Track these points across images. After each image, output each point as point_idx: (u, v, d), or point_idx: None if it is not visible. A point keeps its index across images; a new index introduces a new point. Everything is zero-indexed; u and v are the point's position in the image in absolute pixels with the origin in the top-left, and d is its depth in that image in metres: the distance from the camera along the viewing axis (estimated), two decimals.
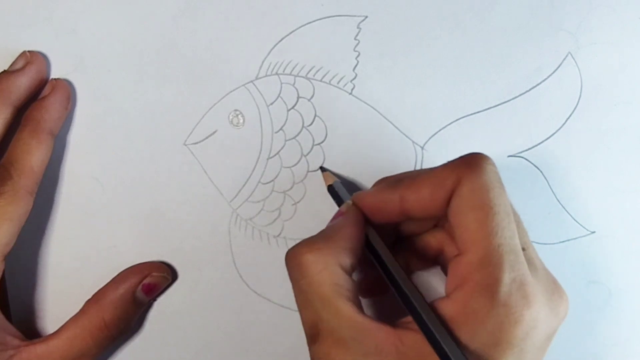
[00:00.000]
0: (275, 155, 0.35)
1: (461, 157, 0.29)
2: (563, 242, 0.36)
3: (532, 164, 0.36)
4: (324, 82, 0.35)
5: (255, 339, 0.37)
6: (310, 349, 0.28)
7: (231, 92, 0.35)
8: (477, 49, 0.35)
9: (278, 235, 0.36)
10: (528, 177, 0.36)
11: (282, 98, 0.35)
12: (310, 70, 0.35)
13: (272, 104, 0.35)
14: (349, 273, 0.28)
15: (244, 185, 0.35)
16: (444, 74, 0.35)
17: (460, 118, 0.35)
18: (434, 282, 0.36)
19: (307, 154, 0.35)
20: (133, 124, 0.35)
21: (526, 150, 0.36)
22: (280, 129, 0.35)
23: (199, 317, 0.36)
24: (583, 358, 0.37)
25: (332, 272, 0.27)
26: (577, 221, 0.36)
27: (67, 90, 0.34)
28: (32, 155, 0.32)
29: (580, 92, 0.35)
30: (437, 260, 0.32)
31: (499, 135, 0.35)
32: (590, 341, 0.37)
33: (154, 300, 0.36)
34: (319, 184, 0.35)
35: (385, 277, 0.29)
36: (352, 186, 0.35)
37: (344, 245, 0.28)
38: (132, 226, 0.35)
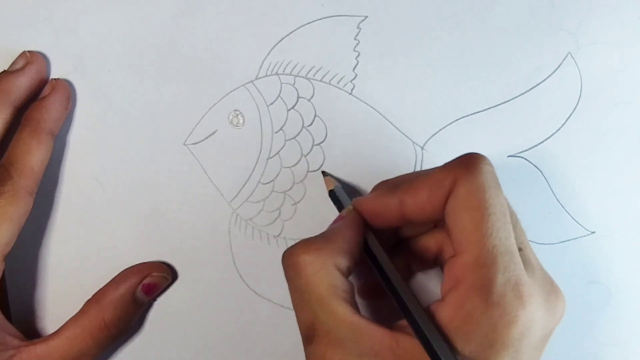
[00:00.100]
0: (275, 155, 0.35)
1: (458, 158, 0.29)
2: (563, 242, 0.36)
3: (532, 164, 0.36)
4: (324, 82, 0.35)
5: (255, 339, 0.37)
6: (305, 350, 0.28)
7: (231, 92, 0.35)
8: (477, 49, 0.35)
9: (278, 235, 0.36)
10: (528, 177, 0.36)
11: (282, 98, 0.35)
12: (310, 70, 0.35)
13: (272, 104, 0.35)
14: (346, 275, 0.28)
15: (244, 185, 0.35)
16: (444, 74, 0.35)
17: (460, 118, 0.35)
18: (433, 283, 0.36)
19: (307, 154, 0.35)
20: (133, 124, 0.35)
21: (526, 150, 0.36)
22: (280, 129, 0.35)
23: (199, 317, 0.36)
24: (583, 358, 0.37)
25: (329, 272, 0.27)
26: (577, 221, 0.36)
27: (67, 90, 0.34)
28: (32, 155, 0.32)
29: (580, 92, 0.35)
30: (437, 261, 0.32)
31: (499, 135, 0.35)
32: (590, 341, 0.37)
33: (154, 300, 0.36)
34: (319, 184, 0.35)
35: (383, 282, 0.29)
36: (353, 190, 0.35)
37: (341, 247, 0.28)
38: (132, 226, 0.35)
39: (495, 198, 0.27)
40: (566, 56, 0.35)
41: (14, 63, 0.33)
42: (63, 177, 0.35)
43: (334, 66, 0.35)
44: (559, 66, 0.35)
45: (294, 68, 0.35)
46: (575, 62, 0.35)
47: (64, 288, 0.36)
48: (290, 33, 0.34)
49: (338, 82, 0.35)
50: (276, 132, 0.35)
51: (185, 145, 0.35)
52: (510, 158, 0.36)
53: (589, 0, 0.34)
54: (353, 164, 0.35)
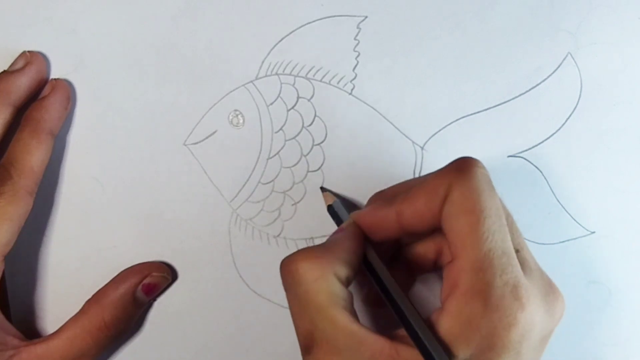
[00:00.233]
0: (275, 155, 0.35)
1: (451, 163, 0.29)
2: (563, 242, 0.36)
3: (532, 164, 0.36)
4: (323, 82, 0.35)
5: (255, 339, 0.37)
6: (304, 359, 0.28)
7: (231, 92, 0.35)
8: (477, 49, 0.35)
9: (278, 235, 0.36)
10: (528, 177, 0.36)
11: (282, 98, 0.35)
12: (310, 70, 0.35)
13: (272, 104, 0.35)
14: (345, 284, 0.28)
15: (243, 185, 0.35)
16: (444, 74, 0.35)
17: (460, 118, 0.35)
18: (433, 290, 0.36)
19: (307, 154, 0.35)
20: (133, 124, 0.35)
21: (526, 150, 0.36)
22: (280, 129, 0.35)
23: (199, 317, 0.36)
24: (583, 358, 0.37)
25: (329, 280, 0.27)
26: (577, 221, 0.36)
27: (67, 90, 0.34)
28: (32, 155, 0.32)
29: (580, 92, 0.35)
30: (438, 264, 0.32)
31: (499, 135, 0.35)
32: (590, 341, 0.37)
33: (154, 300, 0.36)
34: (319, 184, 0.35)
35: (382, 294, 0.29)
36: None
37: (340, 257, 0.28)
38: (132, 226, 0.35)
39: (490, 201, 0.27)
40: (566, 56, 0.35)
41: (14, 63, 0.33)
42: (63, 177, 0.35)
43: (334, 66, 0.35)
44: (559, 66, 0.35)
45: (294, 68, 0.35)
46: (575, 62, 0.35)
47: (64, 288, 0.36)
48: (290, 33, 0.34)
49: (338, 82, 0.35)
50: (276, 132, 0.35)
51: (185, 145, 0.35)
52: (510, 158, 0.36)
53: (589, 0, 0.34)
54: (353, 164, 0.35)
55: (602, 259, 0.37)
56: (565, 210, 0.36)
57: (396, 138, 0.35)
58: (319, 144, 0.35)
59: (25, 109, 0.33)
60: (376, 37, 0.34)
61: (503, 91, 0.35)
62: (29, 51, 0.33)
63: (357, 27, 0.34)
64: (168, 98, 0.35)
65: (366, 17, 0.34)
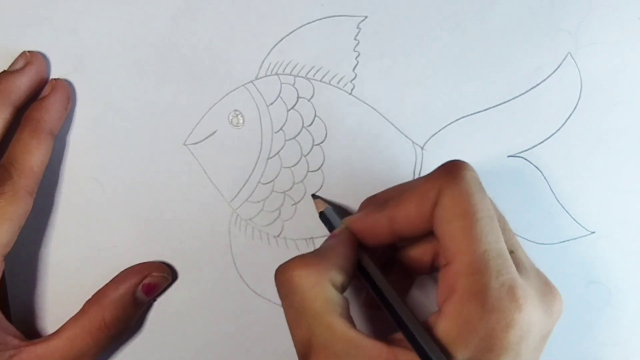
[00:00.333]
0: (275, 155, 0.35)
1: (440, 167, 0.29)
2: (563, 242, 0.36)
3: (532, 164, 0.36)
4: (323, 82, 0.35)
5: (255, 339, 0.37)
6: None
7: (231, 92, 0.35)
8: (477, 49, 0.35)
9: (278, 236, 0.36)
10: (528, 177, 0.36)
11: (282, 98, 0.35)
12: (310, 70, 0.35)
13: (272, 104, 0.35)
14: (340, 291, 0.28)
15: (243, 185, 0.35)
16: (444, 74, 0.35)
17: (460, 118, 0.35)
18: (432, 290, 0.36)
19: (307, 154, 0.35)
20: (133, 124, 0.35)
21: (526, 150, 0.36)
22: (280, 129, 0.35)
23: (199, 317, 0.36)
24: (583, 358, 0.37)
25: (324, 287, 0.27)
26: (577, 221, 0.36)
27: (67, 90, 0.34)
28: (32, 155, 0.32)
29: (580, 92, 0.35)
30: (434, 266, 0.32)
31: (499, 135, 0.35)
32: (590, 341, 0.37)
33: (154, 300, 0.36)
34: (319, 184, 0.35)
35: (377, 298, 0.29)
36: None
37: (335, 263, 0.28)
38: (132, 226, 0.35)
39: (481, 203, 0.27)
40: (566, 56, 0.35)
41: (14, 63, 0.33)
42: (63, 177, 0.35)
43: (334, 66, 0.35)
44: (559, 66, 0.35)
45: (294, 68, 0.35)
46: (575, 62, 0.35)
47: (64, 288, 0.36)
48: (290, 33, 0.34)
49: (338, 82, 0.35)
50: (276, 132, 0.35)
51: (185, 145, 0.35)
52: (510, 158, 0.36)
53: (589, 0, 0.34)
54: (353, 164, 0.35)
55: (602, 259, 0.37)
56: (565, 210, 0.36)
57: (396, 138, 0.35)
58: (319, 144, 0.35)
59: (25, 109, 0.33)
60: (376, 37, 0.34)
61: (503, 91, 0.35)
62: (29, 51, 0.33)
63: (357, 27, 0.34)
64: (168, 98, 0.35)
65: (366, 17, 0.34)
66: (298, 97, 0.35)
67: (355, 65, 0.35)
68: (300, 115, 0.35)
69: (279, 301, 0.36)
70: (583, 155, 0.36)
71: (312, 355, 0.27)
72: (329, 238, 0.31)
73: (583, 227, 0.36)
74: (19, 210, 0.32)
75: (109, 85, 0.34)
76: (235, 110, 0.35)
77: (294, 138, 0.35)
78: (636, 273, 0.37)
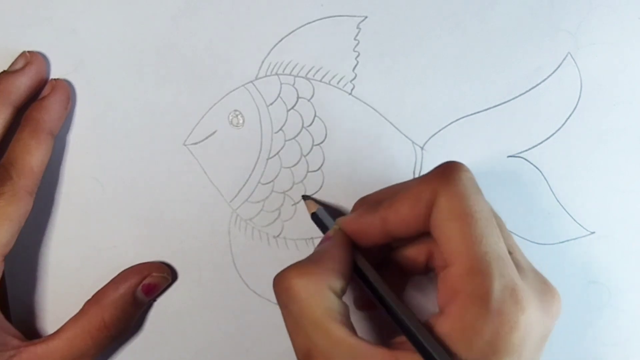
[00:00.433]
0: (275, 155, 0.35)
1: (435, 168, 0.29)
2: (563, 242, 0.36)
3: (532, 164, 0.36)
4: (323, 82, 0.35)
5: (255, 339, 0.37)
6: None
7: (231, 92, 0.35)
8: (477, 49, 0.35)
9: (278, 236, 0.36)
10: (528, 177, 0.36)
11: (281, 98, 0.35)
12: (310, 70, 0.35)
13: (271, 104, 0.35)
14: (340, 296, 0.28)
15: (243, 185, 0.35)
16: (444, 74, 0.35)
17: (460, 118, 0.35)
18: (424, 293, 0.36)
19: (307, 154, 0.35)
20: (133, 124, 0.35)
21: (526, 150, 0.36)
22: (280, 129, 0.35)
23: (199, 317, 0.36)
24: (583, 358, 0.37)
25: (323, 295, 0.27)
26: (577, 221, 0.36)
27: (67, 90, 0.34)
28: (31, 155, 0.32)
29: (580, 92, 0.35)
30: (429, 266, 0.32)
31: (499, 135, 0.35)
32: (590, 341, 0.37)
33: (154, 300, 0.36)
34: (319, 184, 0.35)
35: (376, 301, 0.29)
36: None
37: (333, 268, 0.28)
38: (132, 226, 0.35)
39: (479, 204, 0.27)
40: (566, 56, 0.35)
41: (14, 63, 0.33)
42: (63, 177, 0.35)
43: (334, 66, 0.35)
44: (558, 66, 0.35)
45: (293, 68, 0.34)
46: (575, 62, 0.35)
47: (64, 288, 0.36)
48: (290, 33, 0.34)
49: (338, 82, 0.35)
50: (276, 132, 0.35)
51: (185, 145, 0.35)
52: (510, 158, 0.36)
53: (589, 0, 0.34)
54: (353, 164, 0.35)
55: (602, 259, 0.37)
56: (565, 210, 0.36)
57: (396, 138, 0.35)
58: (319, 144, 0.35)
59: (25, 109, 0.33)
60: (376, 37, 0.34)
61: (503, 91, 0.35)
62: (29, 51, 0.33)
63: (357, 27, 0.34)
64: (168, 98, 0.35)
65: (366, 17, 0.34)
66: (298, 97, 0.35)
67: (355, 65, 0.35)
68: (300, 115, 0.35)
69: None
70: (583, 155, 0.36)
71: None
72: (323, 240, 0.31)
73: (583, 227, 0.36)
74: (18, 210, 0.32)
75: (109, 85, 0.34)
76: (235, 110, 0.35)
77: (293, 138, 0.35)
78: (636, 273, 0.37)
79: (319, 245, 0.31)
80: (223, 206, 0.35)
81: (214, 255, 0.36)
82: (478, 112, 0.35)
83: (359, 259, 0.30)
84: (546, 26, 0.35)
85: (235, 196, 0.35)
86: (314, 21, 0.34)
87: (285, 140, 0.35)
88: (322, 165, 0.35)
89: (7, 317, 0.35)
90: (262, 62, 0.34)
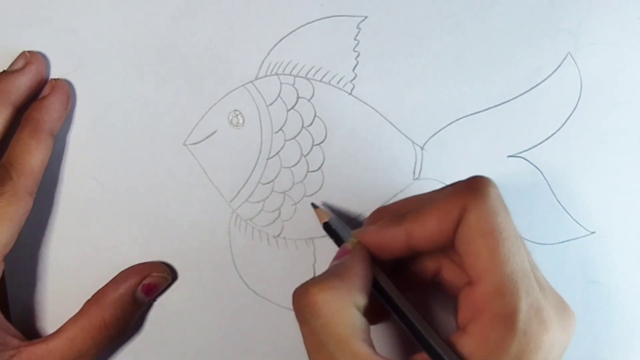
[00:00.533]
0: (275, 155, 0.35)
1: (464, 182, 0.28)
2: (563, 242, 0.36)
3: (532, 164, 0.36)
4: (323, 82, 0.35)
5: (255, 339, 0.37)
6: None
7: (231, 92, 0.35)
8: (477, 49, 0.35)
9: (278, 236, 0.36)
10: (528, 177, 0.36)
11: (281, 98, 0.35)
12: (310, 70, 0.35)
13: (271, 104, 0.35)
14: (363, 312, 0.27)
15: (243, 185, 0.35)
16: (444, 74, 0.35)
17: (460, 118, 0.35)
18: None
19: (307, 154, 0.35)
20: (133, 124, 0.35)
21: (526, 150, 0.36)
22: (280, 129, 0.35)
23: (199, 317, 0.36)
24: (583, 358, 0.37)
25: (349, 312, 0.26)
26: (577, 221, 0.36)
27: (67, 90, 0.34)
28: (31, 155, 0.32)
29: (580, 92, 0.35)
30: (435, 280, 0.31)
31: (499, 135, 0.35)
32: (590, 341, 0.37)
33: (154, 300, 0.36)
34: (319, 184, 0.35)
35: (398, 318, 0.28)
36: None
37: (357, 284, 0.27)
38: (132, 226, 0.35)
39: (506, 222, 0.27)
40: (566, 56, 0.35)
41: (13, 63, 0.33)
42: (63, 177, 0.35)
43: (334, 66, 0.35)
44: (558, 66, 0.35)
45: (293, 68, 0.34)
46: (575, 62, 0.35)
47: (64, 288, 0.36)
48: (290, 33, 0.34)
49: (338, 82, 0.35)
50: (276, 132, 0.35)
51: (185, 145, 0.35)
52: (510, 158, 0.36)
53: (589, 0, 0.34)
54: (353, 164, 0.35)
55: (602, 259, 0.37)
56: (565, 210, 0.36)
57: (396, 138, 0.35)
58: (319, 144, 0.35)
59: (25, 109, 0.33)
60: (376, 37, 0.34)
61: (503, 91, 0.35)
62: (29, 51, 0.33)
63: (357, 27, 0.34)
64: (168, 98, 0.35)
65: (366, 17, 0.34)
66: (298, 97, 0.35)
67: (355, 65, 0.35)
68: (300, 115, 0.35)
69: (278, 301, 0.36)
70: (583, 155, 0.36)
71: None
72: (342, 254, 0.29)
73: (583, 227, 0.36)
74: (18, 210, 0.32)
75: (109, 85, 0.34)
76: (235, 110, 0.35)
77: (294, 138, 0.35)
78: (636, 273, 0.37)
79: (337, 259, 0.29)
80: (223, 206, 0.35)
81: (214, 255, 0.36)
82: (478, 112, 0.35)
83: (378, 274, 0.29)
84: (546, 26, 0.35)
85: (235, 196, 0.35)
86: (314, 21, 0.34)
87: (285, 140, 0.35)
88: (322, 165, 0.35)
89: (7, 317, 0.35)
90: (262, 62, 0.34)
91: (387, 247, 0.29)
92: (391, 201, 0.36)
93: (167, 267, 0.35)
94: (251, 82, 0.35)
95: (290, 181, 0.35)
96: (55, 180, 0.35)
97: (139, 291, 0.34)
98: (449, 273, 0.31)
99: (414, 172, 0.36)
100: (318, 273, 0.36)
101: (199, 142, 0.35)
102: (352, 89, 0.35)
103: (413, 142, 0.35)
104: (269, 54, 0.34)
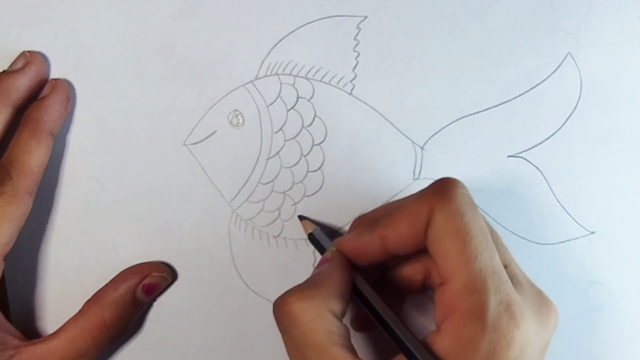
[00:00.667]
0: (275, 155, 0.35)
1: (431, 185, 0.29)
2: (563, 242, 0.36)
3: (532, 164, 0.36)
4: (323, 82, 0.35)
5: (254, 339, 0.37)
6: None
7: (231, 92, 0.35)
8: (477, 49, 0.35)
9: (278, 236, 0.36)
10: (528, 177, 0.36)
11: (281, 98, 0.35)
12: (310, 70, 0.35)
13: (271, 104, 0.35)
14: (340, 319, 0.28)
15: (243, 185, 0.35)
16: (444, 74, 0.35)
17: (460, 118, 0.35)
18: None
19: (307, 154, 0.35)
20: (133, 124, 0.35)
21: (526, 150, 0.36)
22: (280, 129, 0.35)
23: (199, 317, 0.36)
24: (583, 358, 0.37)
25: (325, 319, 0.27)
26: (577, 221, 0.36)
27: (67, 90, 0.34)
28: (31, 155, 0.32)
29: (580, 92, 0.35)
30: (427, 284, 0.32)
31: (499, 135, 0.35)
32: (590, 341, 0.37)
33: (154, 300, 0.36)
34: (319, 184, 0.35)
35: (375, 321, 0.29)
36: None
37: (333, 291, 0.28)
38: (132, 226, 0.35)
39: (474, 221, 0.27)
40: (566, 56, 0.35)
41: (13, 63, 0.33)
42: (63, 177, 0.35)
43: (334, 66, 0.35)
44: (558, 66, 0.35)
45: (293, 68, 0.35)
46: (575, 62, 0.35)
47: (64, 288, 0.36)
48: (290, 33, 0.34)
49: (338, 82, 0.35)
50: (276, 132, 0.35)
51: (185, 145, 0.35)
52: (510, 158, 0.36)
53: (589, 0, 0.34)
54: (353, 164, 0.35)
55: (602, 259, 0.37)
56: (565, 210, 0.36)
57: (396, 138, 0.35)
58: (319, 144, 0.35)
59: (25, 109, 0.33)
60: (376, 37, 0.34)
61: (503, 91, 0.35)
62: (29, 51, 0.33)
63: (357, 27, 0.34)
64: (168, 98, 0.35)
65: (366, 17, 0.34)
66: (298, 97, 0.35)
67: (355, 65, 0.35)
68: (300, 115, 0.35)
69: None
70: (583, 155, 0.36)
71: None
72: (321, 263, 0.31)
73: (583, 227, 0.36)
74: (18, 210, 0.32)
75: (109, 85, 0.34)
76: (235, 110, 0.35)
77: (293, 138, 0.35)
78: (636, 273, 0.37)
79: (317, 268, 0.31)
80: (223, 206, 0.35)
81: (214, 255, 0.36)
82: (478, 112, 0.35)
83: (357, 279, 0.30)
84: (546, 26, 0.35)
85: (235, 196, 0.35)
86: (314, 21, 0.34)
87: (285, 140, 0.35)
88: (322, 165, 0.35)
89: (7, 317, 0.35)
90: (262, 62, 0.34)
91: (364, 253, 0.30)
92: (391, 201, 0.36)
93: (167, 267, 0.35)
94: (251, 82, 0.35)
95: (290, 181, 0.35)
96: (55, 180, 0.35)
97: (139, 291, 0.34)
98: (435, 275, 0.31)
99: (414, 172, 0.36)
100: None
101: (199, 142, 0.35)
102: (352, 89, 0.35)
103: (413, 142, 0.35)
104: (269, 54, 0.34)
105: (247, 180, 0.35)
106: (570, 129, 0.35)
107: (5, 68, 0.33)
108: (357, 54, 0.34)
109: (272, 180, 0.35)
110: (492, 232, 0.29)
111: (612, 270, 0.37)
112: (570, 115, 0.35)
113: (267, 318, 0.36)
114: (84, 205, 0.35)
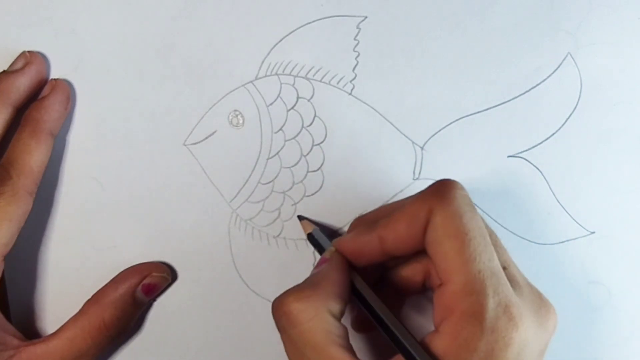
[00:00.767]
0: (274, 155, 0.35)
1: (430, 187, 0.29)
2: (563, 242, 0.36)
3: (532, 164, 0.36)
4: (323, 82, 0.35)
5: (255, 339, 0.37)
6: None
7: (231, 92, 0.35)
8: (477, 49, 0.35)
9: (278, 236, 0.36)
10: (528, 177, 0.36)
11: (281, 98, 0.35)
12: (309, 70, 0.35)
13: (271, 104, 0.35)
14: (339, 319, 0.28)
15: (243, 185, 0.35)
16: (444, 74, 0.35)
17: (460, 118, 0.35)
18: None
19: (307, 154, 0.35)
20: (133, 124, 0.35)
21: (526, 150, 0.36)
22: (280, 129, 0.35)
23: (198, 317, 0.36)
24: (583, 358, 0.37)
25: (323, 319, 0.27)
26: (576, 221, 0.36)
27: (67, 90, 0.34)
28: (31, 155, 0.32)
29: (580, 92, 0.35)
30: (426, 284, 0.32)
31: (498, 135, 0.35)
32: (590, 341, 0.37)
33: (154, 300, 0.36)
34: (319, 184, 0.35)
35: (374, 321, 0.29)
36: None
37: (331, 291, 0.28)
38: (132, 226, 0.35)
39: (472, 222, 0.27)
40: (566, 56, 0.35)
41: (13, 63, 0.33)
42: (63, 177, 0.35)
43: (334, 66, 0.35)
44: (558, 66, 0.35)
45: (293, 68, 0.35)
46: (575, 62, 0.35)
47: (64, 288, 0.36)
48: (290, 33, 0.34)
49: (338, 82, 0.35)
50: (276, 132, 0.35)
51: (185, 145, 0.35)
52: (510, 158, 0.36)
53: (589, 0, 0.34)
54: (353, 164, 0.35)
55: (602, 259, 0.37)
56: (565, 210, 0.36)
57: (396, 138, 0.35)
58: (318, 144, 0.35)
59: (25, 109, 0.33)
60: (376, 37, 0.34)
61: (503, 91, 0.35)
62: (29, 51, 0.33)
63: (357, 27, 0.34)
64: (168, 98, 0.35)
65: (366, 17, 0.34)
66: (298, 97, 0.35)
67: (355, 65, 0.35)
68: (300, 115, 0.35)
69: None
70: (583, 155, 0.36)
71: None
72: (320, 263, 0.31)
73: (583, 227, 0.36)
74: (18, 210, 0.32)
75: (109, 85, 0.34)
76: (235, 110, 0.35)
77: (293, 138, 0.35)
78: (636, 273, 0.37)
79: (316, 268, 0.31)
80: (223, 206, 0.35)
81: (214, 255, 0.36)
82: (478, 112, 0.35)
83: (356, 279, 0.30)
84: (546, 26, 0.35)
85: (235, 196, 0.35)
86: (313, 21, 0.34)
87: (285, 140, 0.35)
88: (322, 165, 0.35)
89: (7, 317, 0.35)
90: (262, 62, 0.34)
91: (363, 254, 0.30)
92: (391, 201, 0.36)
93: (167, 267, 0.35)
94: (251, 82, 0.35)
95: (290, 181, 0.35)
96: (55, 180, 0.35)
97: (139, 291, 0.34)
98: (434, 276, 0.31)
99: (414, 172, 0.36)
100: None
101: (199, 142, 0.35)
102: (352, 89, 0.35)
103: (413, 142, 0.35)
104: (269, 54, 0.34)
105: (247, 180, 0.35)
106: (570, 129, 0.35)
107: (5, 68, 0.33)
108: (357, 54, 0.34)
109: (272, 180, 0.35)
110: (491, 234, 0.29)
111: (611, 270, 0.37)
112: (570, 115, 0.35)
113: (266, 318, 0.36)
114: (84, 205, 0.35)
